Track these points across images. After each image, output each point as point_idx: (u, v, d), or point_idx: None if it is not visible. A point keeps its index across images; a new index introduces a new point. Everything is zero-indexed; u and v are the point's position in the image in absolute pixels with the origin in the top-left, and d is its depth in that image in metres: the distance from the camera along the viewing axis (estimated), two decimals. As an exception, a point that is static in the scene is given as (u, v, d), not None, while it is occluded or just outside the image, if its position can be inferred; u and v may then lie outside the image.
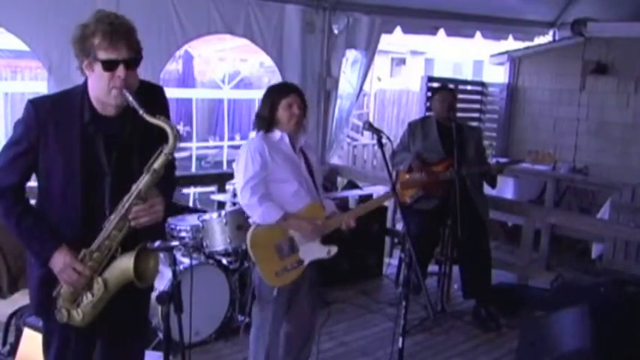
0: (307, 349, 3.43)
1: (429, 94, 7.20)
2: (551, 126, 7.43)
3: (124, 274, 2.20)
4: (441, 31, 6.63)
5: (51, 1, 4.10)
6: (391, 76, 19.84)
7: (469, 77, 15.03)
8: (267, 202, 3.08)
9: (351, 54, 6.01)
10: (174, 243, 2.31)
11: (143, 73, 2.24)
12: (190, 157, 10.77)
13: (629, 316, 3.61)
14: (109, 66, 2.10)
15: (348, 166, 8.73)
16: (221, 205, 4.92)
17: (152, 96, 2.29)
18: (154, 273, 2.31)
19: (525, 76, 7.77)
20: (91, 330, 2.31)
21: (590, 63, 6.92)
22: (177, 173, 2.51)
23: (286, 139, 3.19)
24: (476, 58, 16.55)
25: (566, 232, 6.04)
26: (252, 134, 3.27)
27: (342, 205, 4.97)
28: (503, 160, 6.14)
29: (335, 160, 6.61)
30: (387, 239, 5.90)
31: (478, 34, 6.96)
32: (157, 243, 2.21)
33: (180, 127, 10.07)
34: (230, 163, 8.66)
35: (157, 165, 2.16)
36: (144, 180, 2.16)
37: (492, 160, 5.92)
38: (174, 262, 2.28)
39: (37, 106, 2.19)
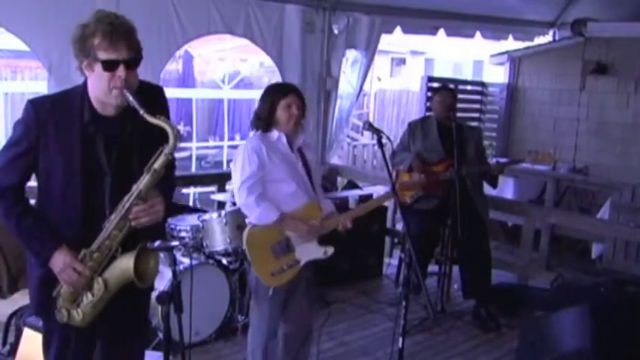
0: (306, 349, 3.42)
1: (429, 94, 7.21)
2: (551, 126, 7.43)
3: (125, 274, 2.20)
4: (441, 31, 6.63)
5: (51, 1, 4.10)
6: (391, 76, 19.84)
7: (469, 77, 15.03)
8: (264, 202, 3.08)
9: (351, 54, 6.01)
10: (175, 243, 2.31)
11: (143, 73, 2.24)
12: (190, 157, 10.74)
13: (629, 316, 3.61)
14: (109, 66, 2.10)
15: (348, 166, 8.74)
16: (221, 205, 4.92)
17: (152, 96, 2.29)
18: (154, 273, 2.31)
19: (525, 76, 7.77)
20: (91, 330, 2.30)
21: (590, 63, 6.92)
22: (177, 173, 2.51)
23: (284, 139, 3.18)
24: (476, 58, 16.54)
25: (566, 232, 6.05)
26: (252, 134, 3.27)
27: (342, 205, 4.98)
28: (503, 160, 6.14)
29: (335, 160, 6.61)
30: (387, 239, 5.89)
31: (478, 34, 6.96)
32: (157, 243, 2.21)
33: (181, 127, 10.06)
34: (230, 163, 8.64)
35: (157, 165, 2.16)
36: (144, 180, 2.16)
37: (492, 160, 5.93)
38: (174, 262, 2.28)
39: (36, 106, 2.19)
